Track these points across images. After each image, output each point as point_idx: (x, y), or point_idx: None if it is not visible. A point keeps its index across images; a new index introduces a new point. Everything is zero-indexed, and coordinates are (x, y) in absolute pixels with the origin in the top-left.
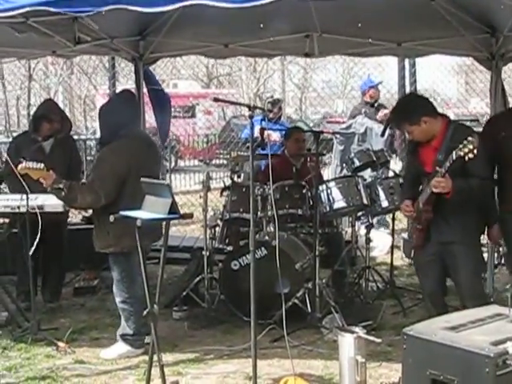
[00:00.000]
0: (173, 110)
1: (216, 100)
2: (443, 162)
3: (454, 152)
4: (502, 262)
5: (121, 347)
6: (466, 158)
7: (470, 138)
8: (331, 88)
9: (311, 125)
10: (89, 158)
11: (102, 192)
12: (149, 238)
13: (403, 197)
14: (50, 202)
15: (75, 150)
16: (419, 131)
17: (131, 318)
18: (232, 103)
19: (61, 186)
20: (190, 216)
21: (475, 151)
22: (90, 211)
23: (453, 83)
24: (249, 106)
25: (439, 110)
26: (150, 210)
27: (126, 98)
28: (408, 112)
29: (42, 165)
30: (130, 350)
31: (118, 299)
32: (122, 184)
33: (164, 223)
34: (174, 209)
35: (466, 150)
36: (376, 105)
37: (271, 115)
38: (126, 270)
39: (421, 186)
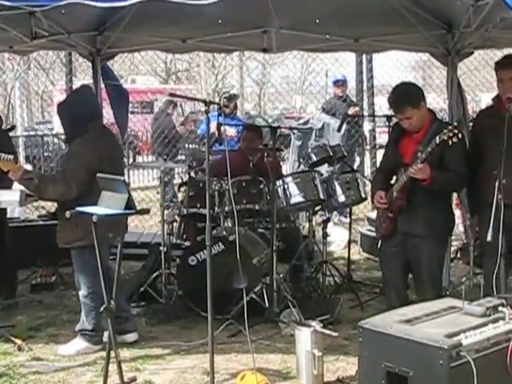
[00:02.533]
0: (131, 105)
1: (172, 95)
2: (423, 152)
3: (437, 136)
4: (458, 255)
5: (79, 343)
6: (450, 142)
7: (455, 124)
8: (289, 84)
9: (270, 120)
10: (46, 153)
11: (73, 183)
12: (119, 230)
13: (376, 187)
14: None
15: (10, 145)
16: (418, 116)
17: (91, 313)
18: (188, 99)
19: (31, 176)
20: (147, 211)
21: (459, 135)
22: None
23: (410, 79)
24: (205, 102)
25: None
26: (106, 206)
27: (87, 92)
28: (411, 94)
29: (12, 156)
30: (87, 346)
31: (80, 293)
32: (93, 177)
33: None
34: (130, 204)
35: (451, 134)
36: (348, 101)
37: (227, 111)
38: (91, 263)
39: (395, 177)
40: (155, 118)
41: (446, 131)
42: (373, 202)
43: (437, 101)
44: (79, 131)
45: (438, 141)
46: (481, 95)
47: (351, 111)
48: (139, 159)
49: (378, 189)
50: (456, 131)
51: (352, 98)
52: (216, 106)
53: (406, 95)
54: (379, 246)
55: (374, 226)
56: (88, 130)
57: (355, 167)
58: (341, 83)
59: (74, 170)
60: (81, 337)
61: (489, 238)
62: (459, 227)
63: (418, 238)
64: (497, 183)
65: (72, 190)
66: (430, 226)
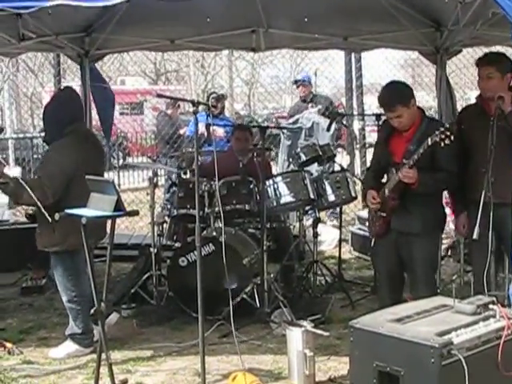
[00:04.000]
0: (120, 106)
1: (159, 96)
2: (416, 151)
3: (429, 138)
4: (449, 253)
5: (69, 346)
6: (442, 143)
7: (447, 125)
8: (278, 83)
9: (259, 120)
10: (35, 156)
11: (49, 189)
12: (94, 236)
13: (368, 186)
14: None
15: None
16: (408, 114)
17: (79, 317)
18: (175, 99)
19: (7, 180)
20: (136, 213)
21: (452, 137)
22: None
23: (399, 77)
24: (193, 102)
25: None
26: (95, 208)
27: (69, 95)
28: (402, 93)
29: None
30: (78, 349)
31: (64, 298)
32: (70, 182)
33: (109, 220)
34: (119, 206)
35: (443, 136)
36: (308, 99)
37: (216, 111)
38: (71, 268)
39: (385, 176)
40: (157, 120)
41: (437, 133)
42: (364, 202)
43: (426, 99)
44: (57, 134)
45: (430, 142)
46: (470, 93)
47: (312, 110)
48: (129, 160)
49: (369, 188)
50: (448, 133)
51: (341, 96)
52: (204, 107)
53: (396, 94)
54: (372, 244)
55: (367, 225)
56: (66, 134)
57: (345, 166)
58: (300, 83)
59: (49, 177)
60: (71, 340)
61: (475, 236)
62: (450, 225)
63: (411, 236)
64: (485, 181)
65: (47, 196)
66: (423, 223)
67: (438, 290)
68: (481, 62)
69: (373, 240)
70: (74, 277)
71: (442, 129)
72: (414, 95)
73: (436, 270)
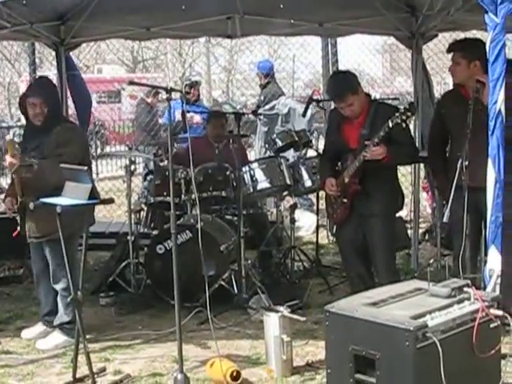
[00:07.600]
0: (98, 95)
1: (131, 84)
2: (369, 135)
3: (390, 120)
4: (426, 237)
5: (58, 337)
6: (404, 124)
7: (407, 106)
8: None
9: (238, 107)
10: None
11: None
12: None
13: (325, 175)
14: None
15: None
16: (358, 102)
17: (70, 305)
18: (148, 86)
19: (31, 162)
20: (111, 201)
21: (413, 118)
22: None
23: (375, 63)
24: (166, 89)
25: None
26: (70, 196)
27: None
28: (350, 82)
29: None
30: (66, 340)
31: (59, 286)
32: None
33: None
34: (94, 194)
35: (404, 116)
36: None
37: (192, 98)
38: (68, 255)
39: (340, 163)
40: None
41: (397, 115)
42: (323, 190)
43: (403, 84)
44: (60, 118)
45: (391, 124)
46: (448, 78)
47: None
48: (107, 149)
49: (327, 176)
50: (409, 114)
51: (318, 82)
52: (181, 94)
53: (345, 84)
54: (334, 232)
55: (327, 214)
56: (64, 121)
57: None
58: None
59: (73, 154)
60: (59, 330)
61: (445, 220)
62: (427, 209)
63: (373, 218)
64: (458, 165)
65: None
66: (381, 203)
67: (415, 274)
68: (449, 48)
69: (334, 227)
70: (69, 264)
71: (402, 110)
72: (359, 82)
73: (394, 249)
